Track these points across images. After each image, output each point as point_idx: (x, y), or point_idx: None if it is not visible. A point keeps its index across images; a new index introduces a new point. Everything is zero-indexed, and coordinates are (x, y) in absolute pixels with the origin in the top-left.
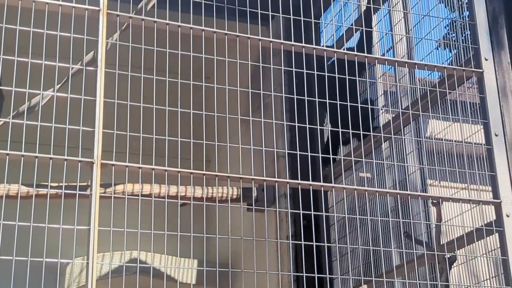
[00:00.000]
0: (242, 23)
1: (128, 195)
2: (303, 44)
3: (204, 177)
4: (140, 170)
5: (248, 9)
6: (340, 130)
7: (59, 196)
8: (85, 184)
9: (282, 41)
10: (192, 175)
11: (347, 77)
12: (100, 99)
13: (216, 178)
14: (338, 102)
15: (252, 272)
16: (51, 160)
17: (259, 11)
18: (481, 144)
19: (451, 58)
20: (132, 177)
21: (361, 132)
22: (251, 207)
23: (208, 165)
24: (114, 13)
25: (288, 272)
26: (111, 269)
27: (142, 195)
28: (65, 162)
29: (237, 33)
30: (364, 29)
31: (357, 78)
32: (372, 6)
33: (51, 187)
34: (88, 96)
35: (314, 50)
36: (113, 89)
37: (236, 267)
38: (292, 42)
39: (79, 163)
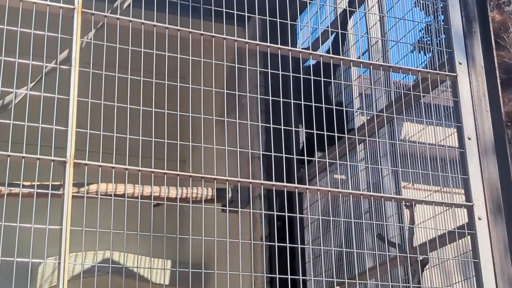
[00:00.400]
0: (218, 23)
1: (101, 195)
2: (279, 46)
3: (178, 177)
4: (113, 170)
5: (224, 10)
6: (315, 132)
7: (31, 195)
8: (58, 183)
9: (258, 42)
10: (166, 176)
11: (322, 79)
12: (73, 98)
13: (190, 178)
14: (313, 104)
15: (225, 273)
16: (23, 159)
17: (235, 12)
18: (454, 148)
19: (426, 62)
20: (105, 177)
21: (336, 134)
22: (225, 208)
23: (183, 165)
24: (89, 12)
25: (261, 273)
26: (84, 269)
27: (115, 195)
28: (38, 161)
29: (213, 34)
30: (340, 31)
31: (332, 80)
32: (348, 9)
33: (23, 186)
34: (62, 95)
35: (290, 52)
36: (87, 88)
37: (209, 268)
38: (268, 44)
39: (52, 162)
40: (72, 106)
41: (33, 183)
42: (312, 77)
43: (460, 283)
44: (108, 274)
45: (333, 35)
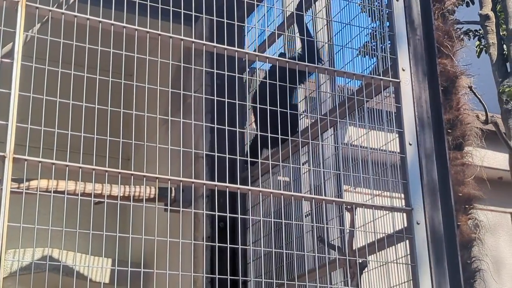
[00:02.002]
0: (165, 22)
1: (42, 191)
2: (225, 46)
3: (120, 175)
4: (53, 166)
5: (171, 8)
6: (259, 133)
7: None
8: None
9: (204, 42)
10: (107, 173)
11: (267, 81)
12: (15, 92)
13: (132, 177)
14: (258, 106)
15: (165, 272)
16: None
17: (183, 11)
18: (395, 153)
19: (371, 67)
20: (46, 174)
21: (279, 136)
22: (167, 207)
23: (127, 164)
24: (33, 5)
25: (202, 273)
26: (22, 266)
27: (56, 192)
28: None
29: (159, 32)
30: (286, 34)
31: (278, 83)
32: (295, 12)
33: None
34: (3, 88)
35: (236, 53)
36: (30, 83)
37: (150, 268)
38: (215, 44)
39: None
40: (13, 100)
41: None
42: (257, 79)
43: (398, 286)
44: (49, 271)
45: (280, 38)
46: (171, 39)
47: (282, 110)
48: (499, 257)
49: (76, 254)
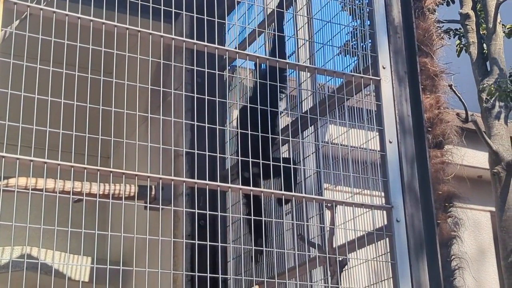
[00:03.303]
0: (145, 19)
1: (20, 189)
2: (206, 43)
3: (99, 173)
4: (31, 163)
5: (151, 5)
6: (238, 131)
7: None
8: None
9: (184, 39)
10: (86, 170)
11: (248, 78)
12: None
13: (111, 174)
14: (238, 103)
15: (144, 270)
16: None
17: (162, 8)
18: (375, 151)
19: (352, 66)
20: (25, 172)
21: (260, 134)
22: (147, 205)
23: (106, 161)
24: (12, 1)
25: (182, 272)
26: (2, 265)
27: (34, 190)
28: None
29: (139, 28)
30: (267, 31)
31: (259, 81)
32: (276, 9)
33: None
34: None
35: (217, 50)
36: (7, 79)
37: (130, 266)
38: (195, 41)
39: None
40: None
41: None
42: (237, 76)
43: (378, 284)
44: (28, 270)
45: (261, 36)
46: (150, 35)
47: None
48: (479, 255)
49: (55, 252)
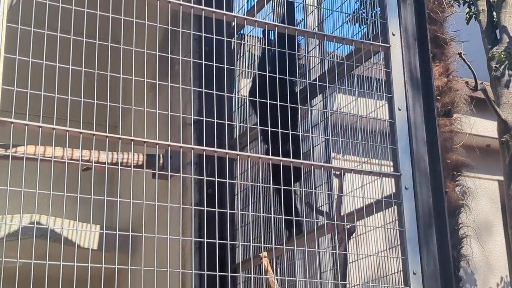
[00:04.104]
0: None
1: (29, 156)
2: (214, 9)
3: (107, 139)
4: (40, 129)
5: None
6: (248, 98)
7: None
8: None
9: (192, 4)
10: (94, 137)
11: (256, 45)
12: (0, 54)
13: (120, 141)
14: (246, 70)
15: (153, 236)
16: None
17: None
18: (384, 120)
19: (361, 34)
20: (33, 140)
21: (268, 102)
22: (155, 171)
23: (114, 130)
24: None
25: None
26: (11, 233)
27: (43, 158)
28: None
29: None
30: None
31: (266, 47)
32: None
33: None
34: None
35: (225, 16)
36: (15, 46)
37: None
38: (203, 7)
39: None
40: None
41: None
42: (246, 43)
43: (385, 251)
44: (38, 237)
45: (269, 3)
46: (158, 1)
47: (271, 75)
48: (486, 223)
49: (64, 220)
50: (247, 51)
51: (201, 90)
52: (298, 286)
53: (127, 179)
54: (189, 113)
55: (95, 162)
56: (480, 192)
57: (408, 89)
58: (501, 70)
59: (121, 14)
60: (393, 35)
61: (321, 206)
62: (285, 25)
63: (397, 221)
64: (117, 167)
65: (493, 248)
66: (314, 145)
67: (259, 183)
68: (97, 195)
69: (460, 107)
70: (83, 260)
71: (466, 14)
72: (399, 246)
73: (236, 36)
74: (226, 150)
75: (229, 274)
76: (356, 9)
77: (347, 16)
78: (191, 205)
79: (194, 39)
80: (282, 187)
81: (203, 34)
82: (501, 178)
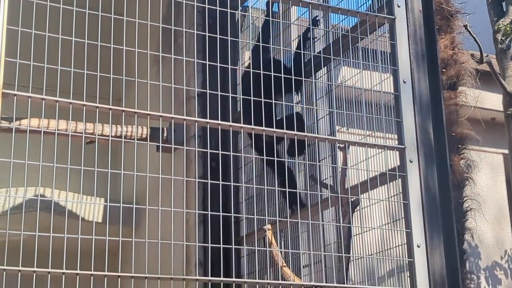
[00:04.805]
0: None
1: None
2: None
3: (111, 112)
4: (43, 101)
5: None
6: (251, 71)
7: None
8: None
9: None
10: (97, 109)
11: (260, 17)
12: (3, 26)
13: (123, 114)
14: (250, 42)
15: (157, 209)
16: None
17: None
18: (389, 92)
19: (367, 6)
20: (37, 114)
21: (272, 74)
22: (159, 144)
23: (118, 103)
24: None
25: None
26: (15, 206)
27: (47, 132)
28: None
29: None
30: None
31: (271, 19)
32: None
33: None
34: None
35: None
36: (18, 18)
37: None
38: None
39: None
40: (1, 34)
41: None
42: (250, 15)
43: (389, 224)
44: (43, 210)
45: None
46: None
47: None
48: (490, 197)
49: (68, 193)
50: (251, 23)
51: (205, 62)
52: (302, 259)
53: (131, 152)
54: (193, 86)
55: (98, 135)
56: (485, 165)
57: (413, 62)
58: (507, 42)
59: None
60: (398, 6)
61: (325, 179)
62: None
63: (401, 194)
64: (121, 140)
65: (498, 221)
66: (318, 118)
67: (263, 156)
68: (101, 168)
69: (466, 80)
70: (87, 233)
71: None
72: (403, 219)
73: (240, 8)
74: (230, 123)
75: (233, 246)
76: None
77: None
78: (195, 178)
79: (198, 12)
80: (286, 160)
81: (207, 6)
82: (506, 151)
